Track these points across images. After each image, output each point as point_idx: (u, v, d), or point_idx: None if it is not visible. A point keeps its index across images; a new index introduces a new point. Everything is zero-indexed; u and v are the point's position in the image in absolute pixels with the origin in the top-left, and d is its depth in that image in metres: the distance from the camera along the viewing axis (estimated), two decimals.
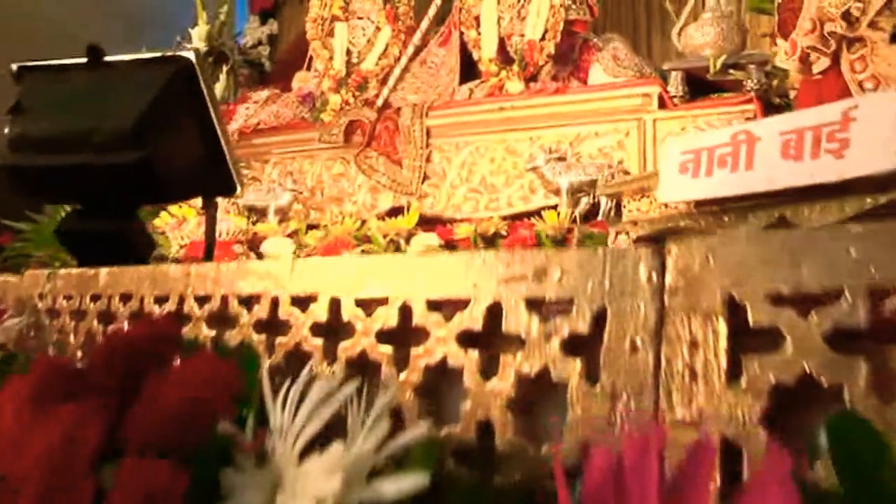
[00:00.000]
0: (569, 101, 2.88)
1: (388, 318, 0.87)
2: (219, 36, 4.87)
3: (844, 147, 1.38)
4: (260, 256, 2.83)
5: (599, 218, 2.66)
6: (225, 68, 4.83)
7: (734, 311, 0.63)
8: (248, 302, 1.04)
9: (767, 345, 0.61)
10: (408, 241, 2.73)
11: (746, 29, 2.89)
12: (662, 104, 2.74)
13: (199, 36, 4.50)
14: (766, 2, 3.13)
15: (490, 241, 2.61)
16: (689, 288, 0.66)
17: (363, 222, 2.99)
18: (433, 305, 0.82)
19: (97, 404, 0.82)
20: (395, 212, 3.07)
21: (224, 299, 1.08)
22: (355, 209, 3.19)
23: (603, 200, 2.69)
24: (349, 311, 0.91)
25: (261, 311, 1.02)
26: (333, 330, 0.92)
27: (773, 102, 2.67)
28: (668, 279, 0.67)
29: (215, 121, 1.37)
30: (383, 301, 0.88)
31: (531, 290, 0.74)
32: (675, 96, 2.74)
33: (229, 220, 2.60)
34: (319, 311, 0.94)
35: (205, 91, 1.34)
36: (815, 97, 2.07)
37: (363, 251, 2.68)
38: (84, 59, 1.32)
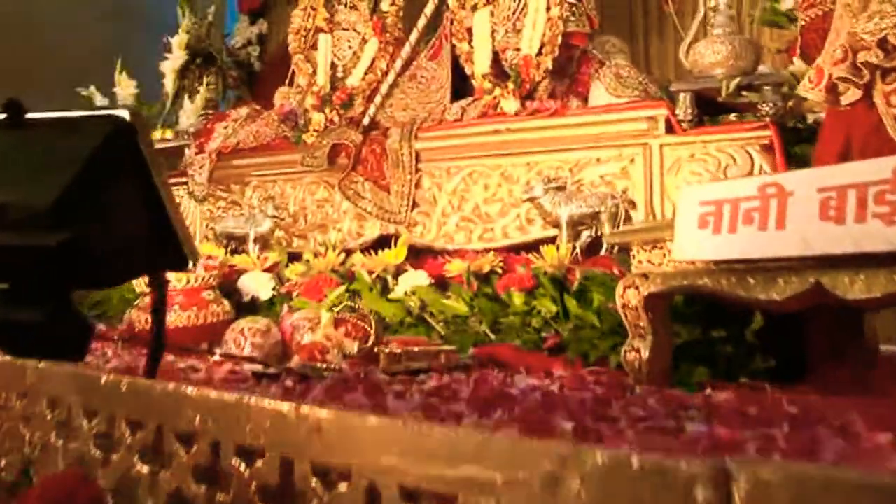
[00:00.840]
0: (569, 123, 2.69)
1: (351, 498, 0.68)
2: (206, 37, 4.72)
3: None
4: (236, 295, 2.64)
5: (602, 253, 2.48)
6: (213, 70, 4.71)
7: None
8: (188, 440, 0.85)
9: None
10: (395, 277, 2.54)
11: (760, 46, 2.70)
12: (670, 128, 2.56)
13: (179, 44, 4.29)
14: (779, 15, 2.95)
15: (485, 279, 2.42)
16: None
17: (348, 254, 2.80)
18: (409, 495, 0.63)
19: None
20: (383, 241, 2.88)
21: (159, 430, 0.89)
22: (340, 237, 3.00)
23: (607, 233, 2.50)
24: (303, 478, 0.72)
25: (199, 454, 0.83)
26: (287, 497, 0.74)
27: (789, 126, 2.48)
28: None
29: (160, 187, 1.17)
30: (345, 473, 0.69)
31: (539, 501, 0.55)
32: (683, 120, 2.55)
33: (199, 264, 2.40)
34: (267, 471, 0.75)
35: (146, 155, 1.14)
36: (843, 131, 1.88)
37: (347, 289, 2.49)
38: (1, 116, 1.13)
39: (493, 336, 2.29)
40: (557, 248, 2.46)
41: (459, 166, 2.84)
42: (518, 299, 2.26)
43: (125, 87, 4.13)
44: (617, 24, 5.23)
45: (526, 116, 2.78)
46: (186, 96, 4.09)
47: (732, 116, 2.64)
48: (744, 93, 2.51)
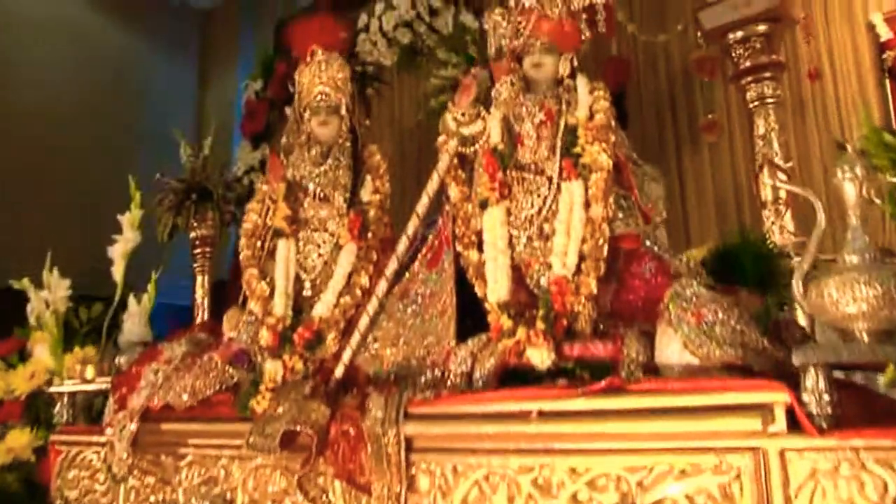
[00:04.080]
0: (634, 408, 1.77)
1: None
2: (203, 170, 4.15)
3: None
4: None
5: None
6: (209, 205, 4.16)
7: None
8: None
9: None
10: None
11: None
12: (795, 423, 1.62)
13: (130, 223, 3.48)
14: None
15: None
16: None
17: None
18: None
19: None
20: None
21: None
22: None
23: None
24: None
25: None
26: None
27: None
28: None
29: None
30: None
31: None
32: (818, 414, 1.61)
33: None
34: None
35: None
36: None
37: None
38: None
39: None
40: None
41: (470, 464, 1.92)
42: None
43: (57, 289, 3.30)
44: (646, 142, 4.62)
45: (565, 391, 1.86)
46: (132, 295, 3.22)
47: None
48: None
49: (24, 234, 5.71)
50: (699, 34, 3.73)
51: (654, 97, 4.80)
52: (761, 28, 3.06)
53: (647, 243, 2.35)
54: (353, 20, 5.72)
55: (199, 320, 4.34)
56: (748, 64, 3.11)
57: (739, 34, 3.10)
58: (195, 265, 4.51)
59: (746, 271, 2.89)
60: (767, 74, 3.11)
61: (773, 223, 3.12)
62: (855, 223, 1.75)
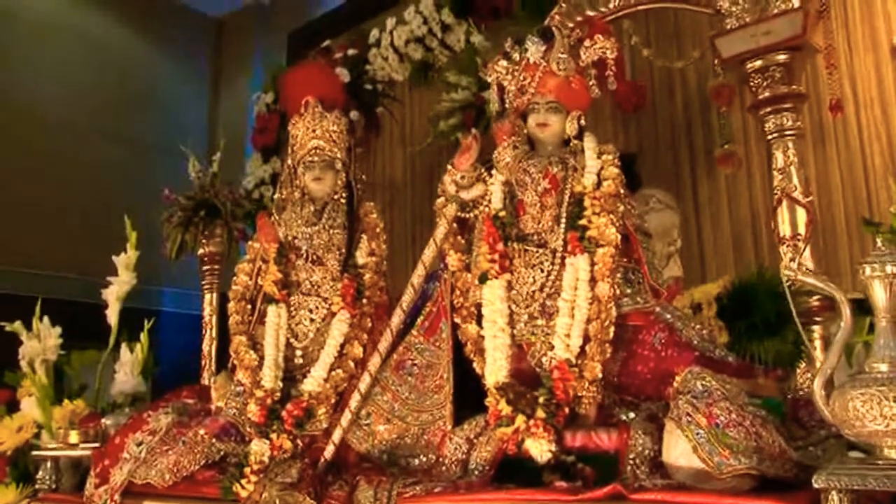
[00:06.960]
0: None
1: None
2: (211, 187, 4.07)
3: None
4: None
5: None
6: (219, 222, 4.08)
7: None
8: None
9: None
10: None
11: None
12: None
13: (126, 264, 3.36)
14: None
15: None
16: None
17: None
18: None
19: None
20: None
21: None
22: None
23: None
24: None
25: None
26: None
27: None
28: None
29: None
30: None
31: None
32: None
33: None
34: None
35: None
36: None
37: None
38: None
39: None
40: None
41: None
42: None
43: (48, 338, 3.18)
44: (659, 166, 4.38)
45: (563, 496, 1.72)
46: (125, 345, 3.10)
47: None
48: None
49: (27, 238, 5.70)
50: (716, 61, 3.55)
51: (669, 123, 4.63)
52: (781, 57, 2.85)
53: (658, 310, 2.20)
54: (365, 34, 5.60)
55: (206, 336, 4.24)
56: (767, 94, 2.91)
57: (758, 63, 2.90)
58: (203, 283, 4.43)
59: (761, 309, 2.74)
60: (787, 105, 2.91)
61: (791, 259, 2.97)
62: (884, 327, 1.59)
